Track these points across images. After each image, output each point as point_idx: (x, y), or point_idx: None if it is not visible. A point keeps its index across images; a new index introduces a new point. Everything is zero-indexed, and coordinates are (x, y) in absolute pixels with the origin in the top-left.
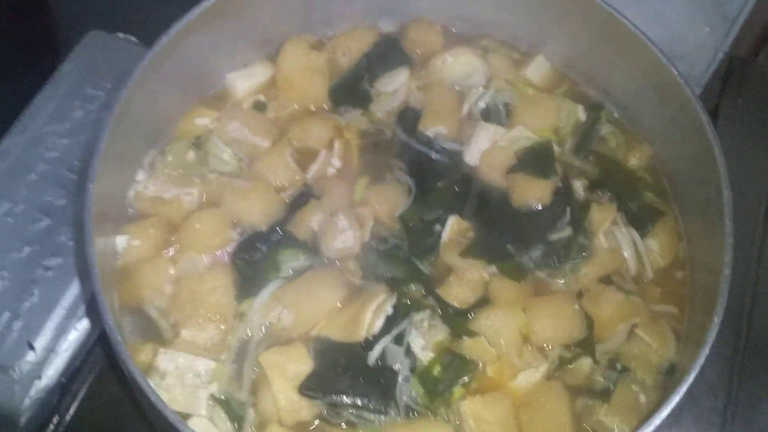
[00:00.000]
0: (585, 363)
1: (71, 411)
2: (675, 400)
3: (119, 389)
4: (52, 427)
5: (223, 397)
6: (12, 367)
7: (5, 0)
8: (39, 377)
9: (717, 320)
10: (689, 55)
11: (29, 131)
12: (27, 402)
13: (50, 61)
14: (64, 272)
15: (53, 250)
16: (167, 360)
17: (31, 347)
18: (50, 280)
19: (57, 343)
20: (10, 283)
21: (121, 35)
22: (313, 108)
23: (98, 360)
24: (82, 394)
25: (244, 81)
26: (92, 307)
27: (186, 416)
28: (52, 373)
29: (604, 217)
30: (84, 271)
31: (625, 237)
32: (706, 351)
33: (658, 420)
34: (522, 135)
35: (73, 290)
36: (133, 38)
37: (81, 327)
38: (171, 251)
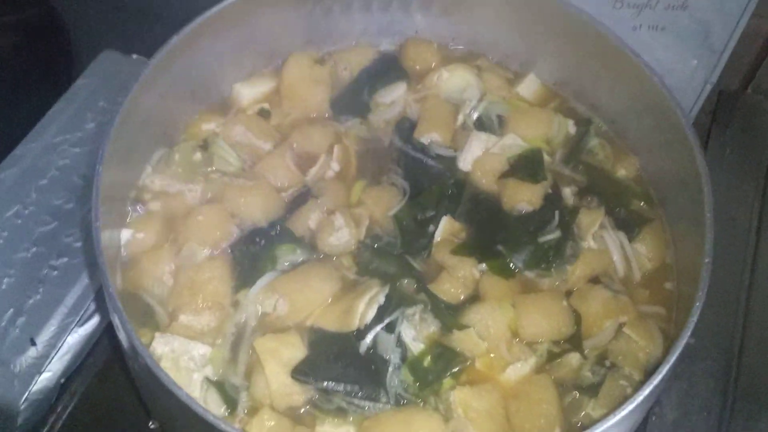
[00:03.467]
0: (573, 358)
1: (68, 410)
2: (655, 381)
3: (118, 389)
4: (48, 426)
5: (217, 379)
6: (13, 362)
7: (25, 20)
8: (39, 373)
9: (699, 304)
10: (678, 87)
11: (43, 139)
12: (26, 397)
13: (66, 78)
14: (70, 272)
15: (59, 251)
16: (163, 344)
17: (33, 343)
18: (55, 279)
19: (59, 341)
20: (16, 280)
21: (134, 56)
22: (314, 116)
23: (99, 359)
24: (79, 395)
25: (250, 90)
26: (100, 296)
27: None
28: (51, 373)
29: (592, 221)
30: (92, 257)
31: (613, 239)
32: (688, 332)
33: (632, 405)
34: (514, 143)
35: (78, 289)
36: (145, 59)
37: (82, 330)
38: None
